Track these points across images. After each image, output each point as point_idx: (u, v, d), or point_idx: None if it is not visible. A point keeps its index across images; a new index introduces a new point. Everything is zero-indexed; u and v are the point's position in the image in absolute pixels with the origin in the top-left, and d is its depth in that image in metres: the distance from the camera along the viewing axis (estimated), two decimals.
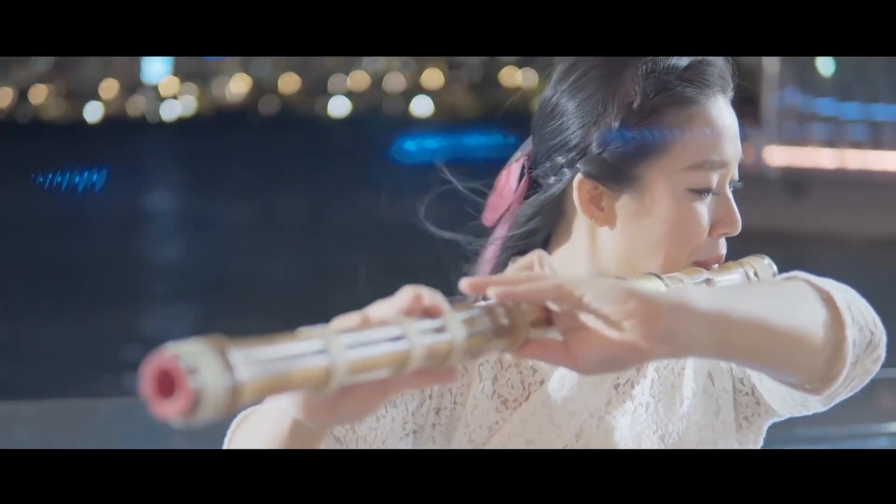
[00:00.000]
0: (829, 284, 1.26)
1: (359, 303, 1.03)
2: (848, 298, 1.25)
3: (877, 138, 24.98)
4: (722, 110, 1.44)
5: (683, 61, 1.42)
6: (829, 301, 1.23)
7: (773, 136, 25.31)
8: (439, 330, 0.99)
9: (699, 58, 1.44)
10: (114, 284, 17.48)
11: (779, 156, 25.00)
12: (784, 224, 21.52)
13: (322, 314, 1.05)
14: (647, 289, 1.08)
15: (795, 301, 1.21)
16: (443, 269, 1.49)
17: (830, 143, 25.24)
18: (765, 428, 1.46)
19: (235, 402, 0.85)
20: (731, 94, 1.46)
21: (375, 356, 0.94)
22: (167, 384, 0.84)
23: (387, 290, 1.43)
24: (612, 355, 1.06)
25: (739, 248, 1.46)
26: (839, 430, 2.59)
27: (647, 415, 1.42)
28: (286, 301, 14.55)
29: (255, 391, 0.86)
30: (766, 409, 1.43)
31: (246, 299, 16.60)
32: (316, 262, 18.08)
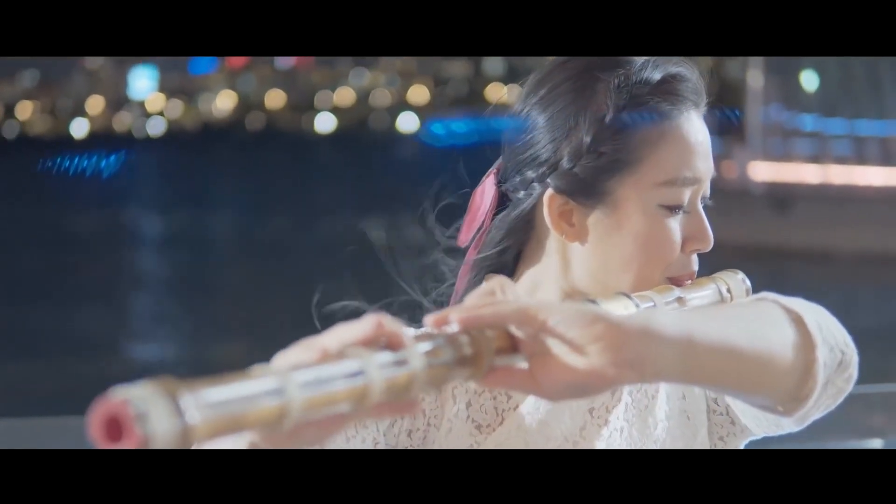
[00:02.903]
0: (798, 305, 1.23)
1: (342, 320, 1.02)
2: (818, 318, 1.23)
3: (860, 154, 25.09)
4: (694, 125, 1.41)
5: (657, 75, 1.40)
6: (798, 322, 1.21)
7: (757, 152, 25.40)
8: (400, 363, 0.96)
9: (672, 72, 1.41)
10: (97, 299, 17.43)
11: (763, 171, 25.09)
12: (768, 239, 21.57)
13: (306, 330, 1.05)
14: (613, 313, 1.06)
15: (764, 323, 1.18)
16: (421, 287, 1.47)
17: (814, 158, 25.35)
18: (741, 447, 1.45)
19: (186, 444, 0.84)
20: (704, 108, 1.43)
21: (332, 392, 0.92)
22: (115, 428, 0.83)
23: (369, 305, 1.42)
24: (578, 381, 1.03)
25: (723, 264, 1.45)
26: (815, 446, 2.60)
27: (622, 439, 1.39)
28: (270, 317, 14.51)
29: (207, 434, 0.85)
30: (741, 429, 1.41)
31: (230, 315, 16.56)
32: (300, 277, 18.04)
